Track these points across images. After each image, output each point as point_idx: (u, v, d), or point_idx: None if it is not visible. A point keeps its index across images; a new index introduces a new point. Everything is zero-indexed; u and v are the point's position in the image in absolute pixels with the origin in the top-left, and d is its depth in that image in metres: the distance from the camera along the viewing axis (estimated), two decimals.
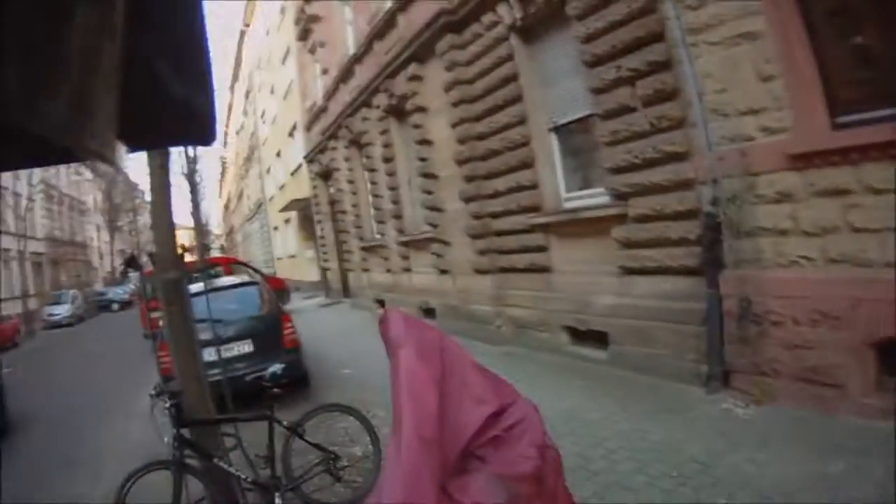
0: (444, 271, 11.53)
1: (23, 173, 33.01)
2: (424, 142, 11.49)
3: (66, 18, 0.69)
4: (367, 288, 16.86)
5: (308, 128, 22.20)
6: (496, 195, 9.46)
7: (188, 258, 6.61)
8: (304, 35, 20.73)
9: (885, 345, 4.47)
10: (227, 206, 69.46)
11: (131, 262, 5.63)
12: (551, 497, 2.66)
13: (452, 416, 2.59)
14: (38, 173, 36.35)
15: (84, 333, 26.11)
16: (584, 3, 7.04)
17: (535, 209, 8.62)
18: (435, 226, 11.47)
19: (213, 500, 4.19)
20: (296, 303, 20.84)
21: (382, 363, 2.66)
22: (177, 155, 9.78)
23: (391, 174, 13.73)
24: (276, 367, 4.62)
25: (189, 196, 10.38)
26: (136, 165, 57.50)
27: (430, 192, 11.54)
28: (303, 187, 24.59)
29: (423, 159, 11.62)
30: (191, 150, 7.75)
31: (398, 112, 12.92)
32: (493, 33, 8.98)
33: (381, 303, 14.99)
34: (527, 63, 8.63)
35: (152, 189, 4.76)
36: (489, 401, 2.74)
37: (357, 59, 14.94)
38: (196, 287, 6.19)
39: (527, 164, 8.69)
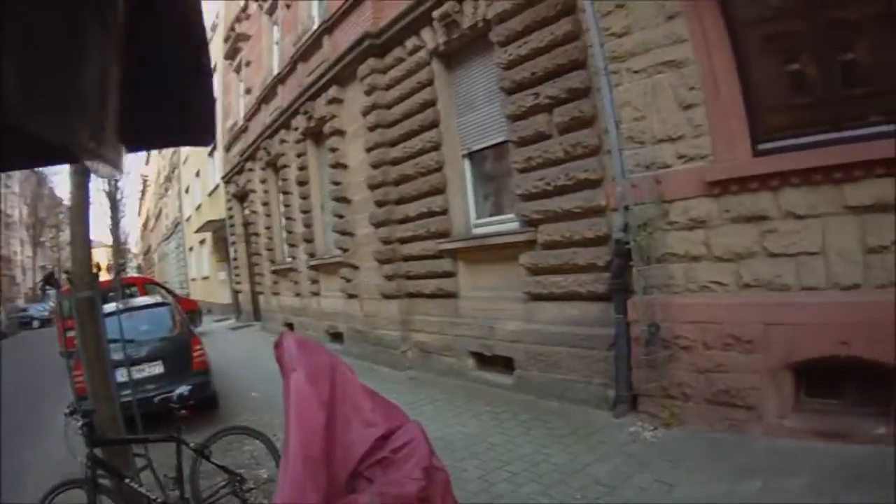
0: (352, 295, 10.80)
1: None
2: (339, 165, 10.79)
3: (67, 20, 0.64)
4: (278, 311, 15.88)
5: (227, 148, 20.94)
6: (406, 220, 8.88)
7: (103, 277, 6.36)
8: (232, 53, 19.61)
9: (802, 367, 4.31)
10: (145, 225, 66.13)
11: (49, 280, 5.25)
12: None
13: (341, 437, 2.62)
14: None
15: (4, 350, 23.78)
16: (508, 29, 6.65)
17: (444, 235, 8.10)
18: (345, 250, 10.74)
19: None
20: (207, 325, 19.75)
21: None
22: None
23: (305, 197, 12.92)
24: (184, 389, 4.50)
25: (109, 213, 9.72)
26: (59, 180, 54.31)
27: (341, 216, 10.82)
28: (219, 208, 23.21)
29: (336, 183, 10.92)
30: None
31: (316, 135, 12.20)
32: (415, 58, 8.48)
33: (291, 326, 14.00)
34: (446, 88, 8.17)
35: (71, 206, 4.58)
36: (378, 423, 2.78)
37: (280, 79, 14.15)
38: (109, 307, 6.00)
39: (438, 190, 8.18)
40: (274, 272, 15.99)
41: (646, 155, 5.07)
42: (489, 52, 7.18)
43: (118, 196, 41.20)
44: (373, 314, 10.00)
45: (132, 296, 14.26)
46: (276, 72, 14.70)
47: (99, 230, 51.39)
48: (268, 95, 15.25)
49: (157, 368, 7.24)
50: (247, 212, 18.89)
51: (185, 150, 34.22)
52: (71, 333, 5.71)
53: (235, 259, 21.10)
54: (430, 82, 8.25)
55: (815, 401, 4.30)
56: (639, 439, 4.89)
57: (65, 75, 0.67)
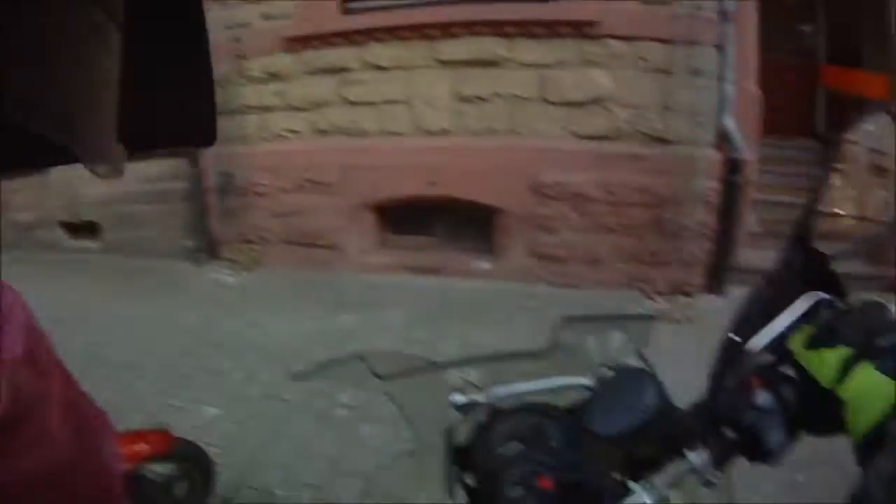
0: None
1: None
2: None
3: (67, 18, 0.46)
4: None
5: None
6: None
7: None
8: None
9: (383, 207, 4.33)
10: None
11: None
12: (44, 373, 1.50)
13: None
14: None
15: None
16: None
17: None
18: None
19: None
20: None
21: None
22: None
23: None
24: None
25: None
26: None
27: None
28: None
29: None
30: None
31: None
32: None
33: None
34: None
35: None
36: None
37: None
38: None
39: None
40: None
41: (227, 16, 4.63)
42: None
43: None
44: None
45: None
46: None
47: None
48: None
49: None
50: None
51: None
52: None
53: None
54: None
55: (404, 238, 4.35)
56: (221, 285, 4.81)
57: (65, 75, 0.52)
